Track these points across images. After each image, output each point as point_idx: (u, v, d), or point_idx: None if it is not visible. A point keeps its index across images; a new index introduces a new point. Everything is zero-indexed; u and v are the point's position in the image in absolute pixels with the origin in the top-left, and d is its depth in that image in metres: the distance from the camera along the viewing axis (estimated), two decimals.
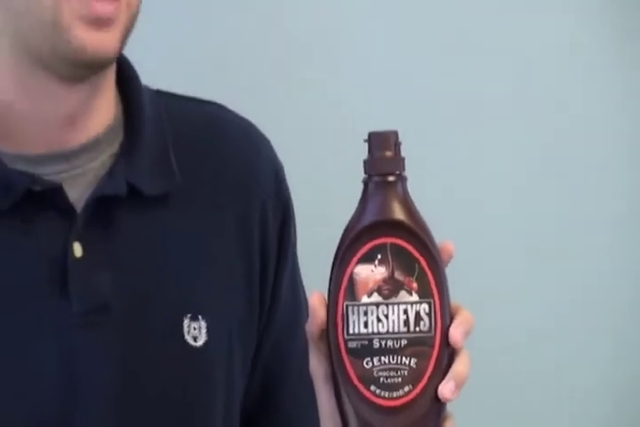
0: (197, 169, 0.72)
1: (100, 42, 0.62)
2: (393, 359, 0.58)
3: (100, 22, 0.61)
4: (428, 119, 1.27)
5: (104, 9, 0.61)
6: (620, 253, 1.43)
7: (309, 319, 0.58)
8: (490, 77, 1.34)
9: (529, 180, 1.37)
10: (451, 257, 0.58)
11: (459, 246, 0.60)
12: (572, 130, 1.40)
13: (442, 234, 0.60)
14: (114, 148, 0.69)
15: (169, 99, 0.75)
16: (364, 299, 0.58)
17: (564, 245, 1.37)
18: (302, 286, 0.79)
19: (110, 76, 0.68)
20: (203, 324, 0.70)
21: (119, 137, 0.69)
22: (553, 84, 1.37)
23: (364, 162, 0.58)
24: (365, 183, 0.58)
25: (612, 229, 1.37)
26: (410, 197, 0.59)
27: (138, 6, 0.65)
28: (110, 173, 0.67)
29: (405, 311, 0.58)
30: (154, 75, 0.76)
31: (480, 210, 1.25)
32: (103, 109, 0.69)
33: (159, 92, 0.74)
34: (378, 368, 0.58)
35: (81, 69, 0.63)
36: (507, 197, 1.30)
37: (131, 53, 0.78)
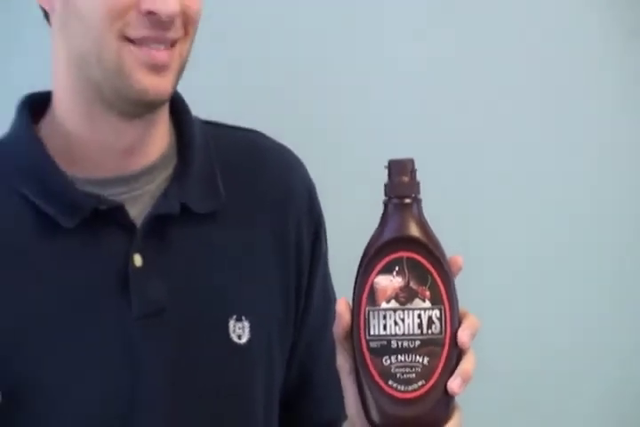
0: (240, 190, 0.79)
1: (157, 85, 0.70)
2: (408, 358, 0.64)
3: (157, 68, 0.69)
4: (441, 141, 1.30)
5: (161, 57, 0.69)
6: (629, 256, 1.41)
7: (336, 322, 0.64)
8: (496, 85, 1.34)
9: (533, 189, 1.35)
10: (460, 269, 0.64)
11: (467, 260, 0.66)
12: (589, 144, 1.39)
13: (452, 248, 0.66)
14: (168, 172, 0.76)
15: (215, 128, 0.82)
16: (384, 305, 0.64)
17: (568, 252, 1.36)
18: (333, 292, 0.85)
19: (164, 112, 0.75)
20: (246, 324, 0.76)
21: (173, 162, 0.76)
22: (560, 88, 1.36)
23: (385, 186, 0.64)
24: (385, 204, 0.64)
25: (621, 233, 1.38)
26: (424, 217, 0.65)
27: (188, 55, 0.72)
28: (165, 195, 0.74)
29: (419, 316, 0.64)
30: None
31: (487, 226, 1.28)
32: (158, 139, 0.76)
33: (207, 123, 0.81)
34: (395, 365, 0.64)
35: (140, 108, 0.71)
36: (511, 212, 1.31)
37: None
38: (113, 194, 0.73)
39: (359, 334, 0.65)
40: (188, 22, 0.71)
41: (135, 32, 0.68)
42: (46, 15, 0.74)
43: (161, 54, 0.69)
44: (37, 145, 0.74)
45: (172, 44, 0.70)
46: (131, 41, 0.69)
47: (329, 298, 0.83)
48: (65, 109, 0.74)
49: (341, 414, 0.71)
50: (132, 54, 0.69)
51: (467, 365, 0.63)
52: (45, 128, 0.76)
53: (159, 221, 0.73)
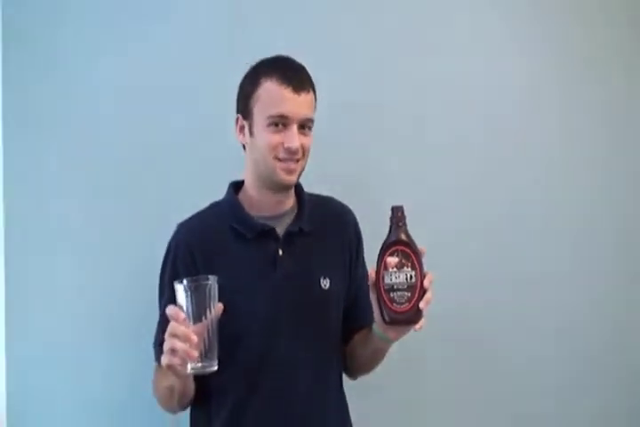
0: (323, 222, 1.46)
1: (290, 180, 1.37)
2: (401, 293, 1.26)
3: (290, 172, 1.37)
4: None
5: (292, 167, 1.37)
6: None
7: (369, 278, 1.29)
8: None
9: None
10: (424, 253, 1.28)
11: (429, 250, 1.28)
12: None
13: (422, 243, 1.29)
14: (293, 214, 1.44)
15: (311, 195, 1.48)
16: (390, 269, 1.26)
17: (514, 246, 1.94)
18: (365, 266, 1.50)
19: (292, 189, 1.42)
20: (328, 280, 1.43)
21: (295, 210, 1.44)
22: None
23: (390, 218, 1.28)
24: (390, 226, 1.28)
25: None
26: (408, 231, 1.28)
27: (305, 165, 1.39)
28: (292, 224, 1.42)
29: (406, 274, 1.26)
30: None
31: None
32: (289, 200, 1.45)
33: (309, 194, 1.47)
34: (396, 296, 1.26)
35: (282, 189, 1.39)
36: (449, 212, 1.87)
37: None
38: (270, 223, 1.41)
39: (379, 282, 1.28)
40: (304, 151, 1.37)
41: (281, 156, 1.36)
42: (244, 146, 1.42)
43: (292, 166, 1.37)
44: (237, 203, 1.43)
45: (297, 160, 1.37)
46: (279, 160, 1.36)
47: (364, 268, 1.50)
48: (249, 188, 1.43)
49: (372, 321, 1.34)
50: (279, 166, 1.36)
51: (427, 296, 1.27)
52: (241, 195, 1.45)
53: (289, 235, 1.42)
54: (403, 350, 1.50)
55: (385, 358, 1.48)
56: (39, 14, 1.69)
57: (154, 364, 1.43)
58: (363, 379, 1.58)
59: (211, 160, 1.71)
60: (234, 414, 1.39)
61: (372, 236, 1.36)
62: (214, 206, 1.48)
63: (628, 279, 2.02)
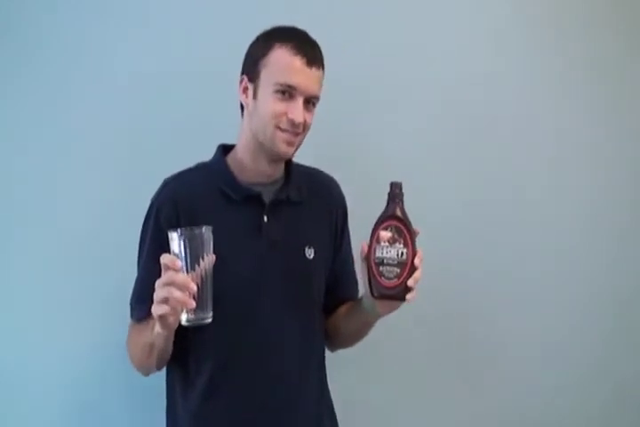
0: (311, 192, 1.46)
1: (288, 151, 1.37)
2: (391, 268, 1.27)
3: (290, 144, 1.35)
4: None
5: (292, 139, 1.35)
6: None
7: (361, 250, 1.30)
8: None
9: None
10: (418, 233, 1.30)
11: (423, 230, 1.31)
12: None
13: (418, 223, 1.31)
14: (281, 182, 1.43)
15: (299, 166, 1.48)
16: (382, 244, 1.27)
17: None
18: (350, 244, 1.51)
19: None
20: (312, 250, 1.44)
21: (283, 179, 1.44)
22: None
23: (388, 194, 1.30)
24: (387, 201, 1.30)
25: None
26: (404, 207, 1.29)
27: (303, 139, 1.38)
28: (279, 191, 1.42)
29: (397, 250, 1.27)
30: None
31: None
32: (279, 169, 1.44)
33: (296, 164, 1.47)
34: (385, 270, 1.27)
35: (278, 159, 1.39)
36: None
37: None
38: (257, 189, 1.41)
39: (370, 256, 1.29)
40: (304, 127, 1.37)
41: (283, 126, 1.34)
42: (242, 108, 1.41)
43: (292, 138, 1.36)
44: (226, 166, 1.42)
45: (297, 134, 1.36)
46: (280, 129, 1.35)
47: (349, 245, 1.52)
48: (242, 152, 1.42)
49: (355, 296, 1.35)
50: (279, 136, 1.35)
51: (417, 274, 1.28)
52: (229, 159, 1.44)
53: (276, 203, 1.41)
54: (389, 330, 1.53)
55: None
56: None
57: (129, 322, 1.42)
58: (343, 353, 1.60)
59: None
60: (215, 375, 1.38)
61: (367, 217, 1.35)
62: (201, 167, 1.45)
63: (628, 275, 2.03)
